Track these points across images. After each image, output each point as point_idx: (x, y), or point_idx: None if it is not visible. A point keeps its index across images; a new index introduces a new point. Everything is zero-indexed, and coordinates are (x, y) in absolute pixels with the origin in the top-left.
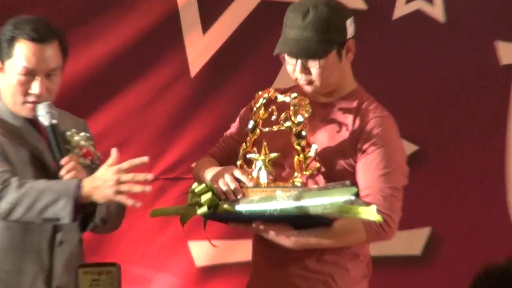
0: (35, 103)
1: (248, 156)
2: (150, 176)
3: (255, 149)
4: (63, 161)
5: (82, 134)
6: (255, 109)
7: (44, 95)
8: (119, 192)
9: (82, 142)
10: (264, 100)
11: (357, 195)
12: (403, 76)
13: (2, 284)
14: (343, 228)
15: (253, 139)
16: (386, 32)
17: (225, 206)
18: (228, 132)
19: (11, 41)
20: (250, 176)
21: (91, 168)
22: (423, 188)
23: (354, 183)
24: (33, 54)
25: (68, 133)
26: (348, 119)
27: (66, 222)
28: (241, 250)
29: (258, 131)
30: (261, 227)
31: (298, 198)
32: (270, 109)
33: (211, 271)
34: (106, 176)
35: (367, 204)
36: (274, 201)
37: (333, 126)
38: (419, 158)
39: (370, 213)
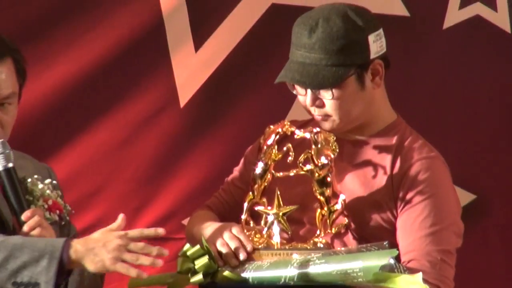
0: None
1: (256, 208)
2: (166, 251)
3: (264, 200)
4: (24, 216)
5: (47, 181)
6: (265, 147)
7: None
8: (119, 260)
9: (48, 192)
10: (278, 136)
11: (397, 259)
12: (456, 101)
13: None
14: None
15: (262, 186)
16: (435, 44)
17: (226, 273)
18: (230, 178)
19: None
20: (257, 235)
21: (59, 225)
22: (482, 247)
23: (393, 245)
24: None
25: (29, 180)
26: (386, 161)
27: None
28: None
29: (269, 176)
30: None
31: (322, 261)
32: (285, 148)
33: None
34: (106, 238)
35: (411, 271)
36: (290, 267)
37: (366, 170)
38: (477, 209)
39: (415, 283)
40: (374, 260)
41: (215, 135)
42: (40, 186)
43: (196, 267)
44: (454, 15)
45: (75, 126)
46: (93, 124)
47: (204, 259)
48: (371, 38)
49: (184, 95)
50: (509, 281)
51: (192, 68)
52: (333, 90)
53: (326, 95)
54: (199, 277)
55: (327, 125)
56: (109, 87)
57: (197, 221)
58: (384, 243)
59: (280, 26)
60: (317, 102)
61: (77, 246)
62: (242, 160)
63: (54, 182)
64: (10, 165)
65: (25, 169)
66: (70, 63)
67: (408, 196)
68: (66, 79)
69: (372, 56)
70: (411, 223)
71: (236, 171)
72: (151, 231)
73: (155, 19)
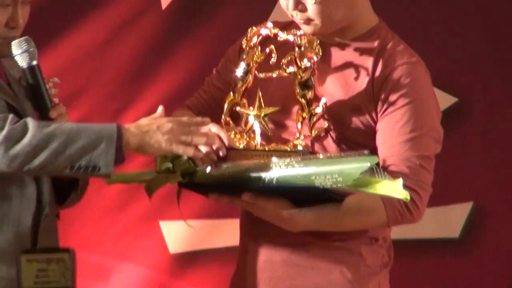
0: (6, 38)
1: (237, 109)
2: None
3: (245, 101)
4: (53, 113)
5: (55, 79)
6: (247, 48)
7: (21, 29)
8: (174, 141)
9: (53, 91)
10: (260, 38)
11: (377, 165)
12: (437, 6)
13: None
14: (357, 207)
15: (243, 87)
16: None
17: (205, 171)
18: (210, 78)
19: None
20: (237, 136)
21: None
22: (463, 152)
23: (373, 150)
24: None
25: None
26: (367, 64)
27: (102, 173)
28: (226, 233)
29: (251, 77)
30: (252, 200)
31: (303, 164)
32: (267, 50)
33: (189, 258)
34: (158, 122)
35: (391, 175)
36: (270, 169)
37: (347, 73)
38: (458, 113)
39: (395, 189)
40: (354, 165)
41: (197, 37)
42: (50, 84)
43: (175, 167)
44: None
45: (57, 28)
46: (75, 25)
47: (183, 159)
48: None
49: None
50: (488, 186)
51: None
52: None
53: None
54: (177, 177)
55: (309, 29)
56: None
57: None
58: (365, 152)
59: None
60: (300, 6)
61: (131, 129)
62: (222, 60)
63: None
64: (35, 62)
65: (19, 70)
66: None
67: (389, 100)
68: None
69: None
70: (390, 128)
71: (216, 71)
72: (198, 119)
73: None
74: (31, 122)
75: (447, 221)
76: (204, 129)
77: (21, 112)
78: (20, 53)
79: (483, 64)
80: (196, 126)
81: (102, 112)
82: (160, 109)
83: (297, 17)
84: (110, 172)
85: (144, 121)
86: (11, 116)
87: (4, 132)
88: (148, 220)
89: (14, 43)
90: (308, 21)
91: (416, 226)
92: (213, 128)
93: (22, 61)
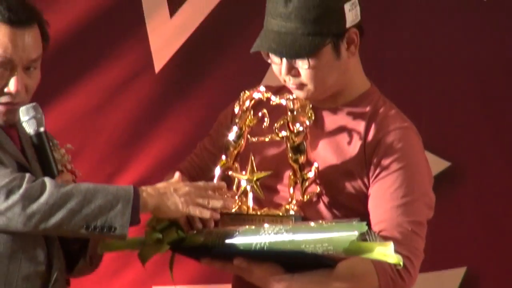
0: (8, 105)
1: (229, 173)
2: (233, 195)
3: (237, 165)
4: (58, 180)
5: (68, 146)
6: (240, 112)
7: (21, 95)
8: (190, 204)
9: (66, 157)
10: (253, 102)
11: (369, 228)
12: (430, 71)
13: None
14: (349, 272)
15: (236, 151)
16: (412, 11)
17: (196, 237)
18: (202, 143)
19: None
20: (235, 199)
21: None
22: (456, 216)
23: (365, 215)
24: (10, 40)
25: (55, 141)
26: (359, 129)
27: (117, 234)
28: None
29: (243, 141)
30: (243, 265)
31: (292, 232)
32: (260, 114)
33: None
34: (175, 185)
35: (384, 239)
36: (260, 235)
37: (339, 138)
38: (450, 177)
39: (387, 254)
40: (343, 233)
41: (190, 101)
42: (62, 151)
43: (164, 239)
44: None
45: (50, 91)
46: (68, 89)
47: (171, 231)
48: (347, 7)
49: (159, 61)
50: (482, 250)
51: (167, 34)
52: (309, 59)
53: (302, 64)
54: (166, 247)
55: (302, 94)
56: (84, 52)
57: None
58: (354, 222)
59: None
60: (293, 71)
61: (149, 190)
62: (214, 124)
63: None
64: (42, 129)
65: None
66: (50, 27)
67: (381, 165)
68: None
69: (348, 25)
70: (382, 193)
71: (208, 135)
72: (214, 184)
73: None
74: (48, 181)
75: (440, 286)
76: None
77: (38, 175)
78: (27, 119)
79: (475, 127)
80: (212, 191)
81: (95, 175)
82: (177, 174)
83: (290, 82)
84: (125, 233)
85: (161, 184)
86: (28, 175)
87: (21, 190)
88: (142, 286)
89: (22, 110)
90: (301, 86)
91: None
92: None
93: (29, 127)
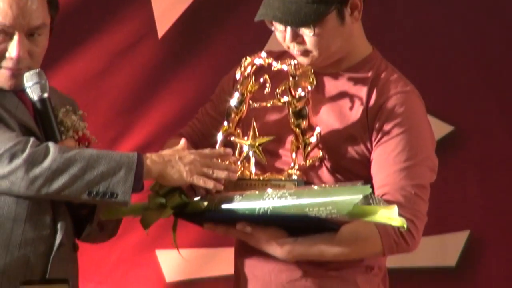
0: (11, 70)
1: (232, 139)
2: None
3: (239, 131)
4: (61, 145)
5: (80, 112)
6: (242, 78)
7: (25, 60)
8: (195, 173)
9: (78, 123)
10: (254, 67)
11: (372, 192)
12: (433, 40)
13: None
14: (353, 235)
15: (238, 117)
16: None
17: (199, 203)
18: (204, 108)
19: None
20: (237, 164)
21: None
22: (459, 180)
23: (368, 179)
24: (10, 6)
25: (63, 110)
26: (361, 93)
27: (119, 201)
28: (222, 262)
29: (245, 107)
30: (247, 230)
31: (296, 196)
32: (262, 80)
33: (185, 287)
34: (181, 153)
35: (387, 203)
36: (263, 199)
37: (342, 103)
38: (454, 141)
39: (391, 217)
40: (347, 196)
41: (193, 66)
42: (73, 117)
43: (167, 203)
44: None
45: (54, 56)
46: (72, 54)
47: (175, 195)
48: None
49: (162, 26)
50: (484, 215)
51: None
52: (315, 27)
53: (307, 32)
54: (169, 212)
55: (306, 60)
56: (87, 17)
57: None
58: (358, 184)
59: None
60: (298, 38)
61: (153, 157)
62: (216, 90)
63: (80, 114)
64: (45, 95)
65: (52, 101)
66: None
67: (383, 130)
68: None
69: None
70: (385, 158)
71: (210, 100)
72: (220, 150)
73: None
74: (52, 146)
75: (443, 249)
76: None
77: (42, 140)
78: (30, 85)
79: (478, 92)
80: (218, 158)
81: (100, 140)
82: (183, 141)
83: (294, 49)
84: (127, 200)
85: (167, 151)
86: (32, 139)
87: (24, 154)
88: (145, 249)
89: (26, 75)
90: (305, 52)
91: (413, 255)
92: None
93: (32, 93)
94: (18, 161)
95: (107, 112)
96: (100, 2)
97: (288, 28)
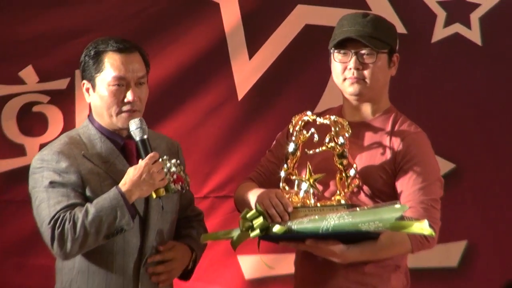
0: (130, 111)
1: (293, 178)
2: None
3: (296, 171)
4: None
5: (174, 161)
6: (294, 132)
7: (137, 103)
8: (155, 183)
9: (173, 169)
10: (303, 123)
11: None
12: (439, 95)
13: None
14: (390, 240)
15: (294, 161)
16: (425, 54)
17: (279, 228)
18: (265, 157)
19: (98, 55)
20: (295, 197)
21: (180, 193)
22: (459, 203)
23: (392, 197)
24: (122, 63)
25: (161, 159)
26: (385, 137)
27: (127, 230)
28: (285, 264)
29: (299, 153)
30: (313, 244)
31: (351, 216)
32: (310, 132)
33: (259, 283)
34: (140, 170)
35: (419, 219)
36: (326, 221)
37: (371, 144)
38: (455, 175)
39: (423, 228)
40: (390, 214)
41: (264, 121)
42: (168, 164)
43: (255, 225)
44: (439, 32)
45: (161, 113)
46: (174, 112)
47: (260, 219)
48: (397, 34)
49: (241, 92)
50: (478, 229)
51: (246, 72)
52: (376, 56)
53: (369, 60)
54: (257, 232)
55: (357, 88)
56: (186, 86)
57: (245, 190)
58: (396, 203)
59: (314, 42)
60: (360, 66)
61: (126, 187)
62: (274, 142)
63: (179, 160)
64: (145, 136)
65: (159, 148)
66: (159, 69)
67: (403, 162)
68: (157, 80)
69: (396, 47)
70: (407, 181)
71: (269, 151)
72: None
73: (219, 36)
74: (66, 221)
75: (448, 254)
76: (272, 196)
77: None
78: (134, 129)
79: (473, 137)
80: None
81: (194, 177)
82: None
83: (354, 75)
84: (131, 227)
85: (130, 172)
86: (67, 216)
87: (56, 234)
88: (229, 255)
89: (131, 122)
90: (361, 80)
91: (425, 258)
92: (277, 195)
93: (135, 135)
94: (55, 244)
95: (202, 154)
96: (196, 75)
97: (354, 57)
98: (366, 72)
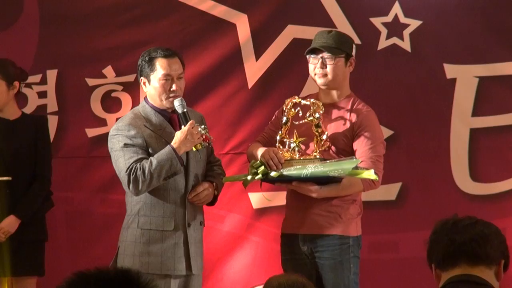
0: (174, 97)
1: (284, 140)
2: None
3: (287, 136)
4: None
5: (202, 126)
6: (286, 109)
7: (178, 91)
8: (198, 140)
9: (202, 131)
10: (292, 103)
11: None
12: (383, 87)
13: (154, 225)
14: (349, 183)
15: (286, 129)
16: (374, 57)
17: (275, 173)
18: (267, 126)
19: (151, 60)
20: (286, 153)
21: (207, 148)
22: (396, 157)
23: (352, 154)
24: (168, 65)
25: (196, 124)
26: (346, 113)
27: (178, 172)
28: (279, 198)
29: (289, 124)
30: (297, 184)
31: (322, 166)
32: (297, 110)
33: (262, 211)
34: (184, 132)
35: (368, 168)
36: (306, 169)
37: (337, 118)
38: (394, 139)
39: (371, 174)
40: (349, 165)
41: (267, 103)
42: (199, 128)
43: (258, 171)
44: (383, 43)
45: (195, 99)
46: (204, 98)
47: (262, 168)
48: (353, 46)
49: (250, 83)
50: (410, 175)
51: (254, 69)
52: (335, 59)
53: (330, 62)
54: (260, 176)
55: (322, 81)
56: (212, 81)
57: (253, 148)
58: (353, 158)
59: (299, 51)
60: (323, 66)
61: (176, 144)
62: (273, 117)
63: (203, 126)
64: (185, 110)
65: (193, 118)
66: (194, 67)
67: (358, 131)
68: (191, 77)
69: (353, 54)
70: (361, 143)
71: (270, 123)
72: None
73: (236, 46)
74: (138, 170)
75: (388, 192)
76: (270, 152)
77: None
78: (178, 105)
79: (406, 112)
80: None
81: (221, 137)
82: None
83: (319, 72)
84: (181, 170)
85: (178, 134)
86: (138, 166)
87: (132, 179)
88: (243, 193)
89: (175, 100)
90: (324, 75)
91: (373, 194)
92: (274, 151)
93: (178, 109)
94: (131, 186)
95: (224, 126)
96: (218, 73)
97: (320, 60)
98: (328, 70)
